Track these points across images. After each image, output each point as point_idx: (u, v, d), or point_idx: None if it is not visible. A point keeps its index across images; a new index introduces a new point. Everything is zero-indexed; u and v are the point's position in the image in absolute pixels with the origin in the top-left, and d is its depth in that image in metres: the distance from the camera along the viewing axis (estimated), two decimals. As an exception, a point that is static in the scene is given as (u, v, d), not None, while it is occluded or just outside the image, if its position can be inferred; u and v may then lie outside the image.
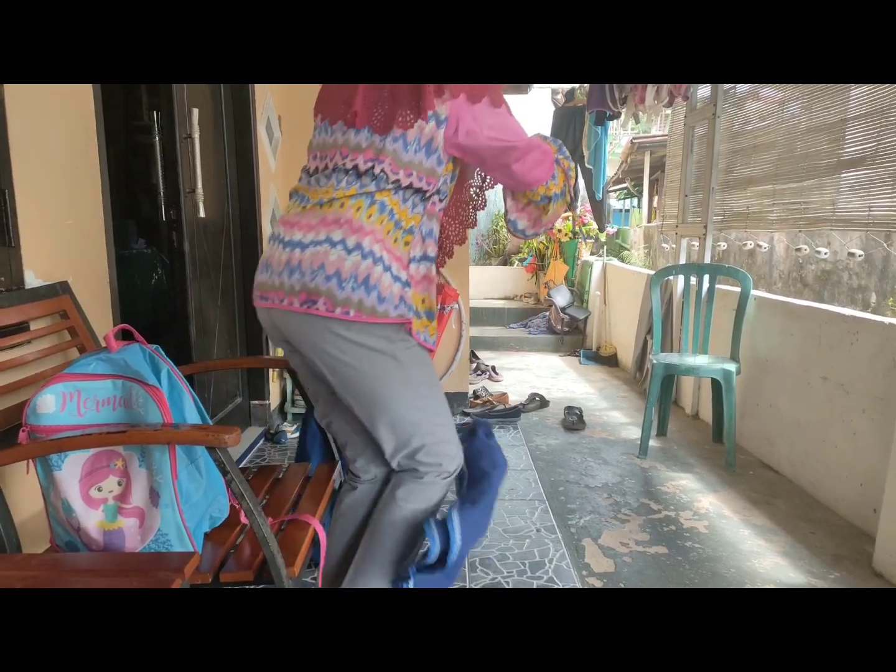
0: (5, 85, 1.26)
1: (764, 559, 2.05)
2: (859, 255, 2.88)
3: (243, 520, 1.14)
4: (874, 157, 2.38)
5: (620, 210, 13.23)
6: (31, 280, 1.36)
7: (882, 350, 2.15)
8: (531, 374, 4.80)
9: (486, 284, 7.69)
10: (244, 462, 2.79)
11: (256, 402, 3.23)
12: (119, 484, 1.07)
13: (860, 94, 2.47)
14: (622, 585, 1.90)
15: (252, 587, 1.09)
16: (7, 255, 1.29)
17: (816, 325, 2.51)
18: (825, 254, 2.89)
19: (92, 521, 1.05)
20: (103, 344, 1.32)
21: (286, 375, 3.40)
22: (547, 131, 5.81)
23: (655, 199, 9.76)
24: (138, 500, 1.06)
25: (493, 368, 4.57)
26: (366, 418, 1.25)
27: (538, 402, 3.73)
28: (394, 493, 1.28)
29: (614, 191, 10.50)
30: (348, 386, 1.22)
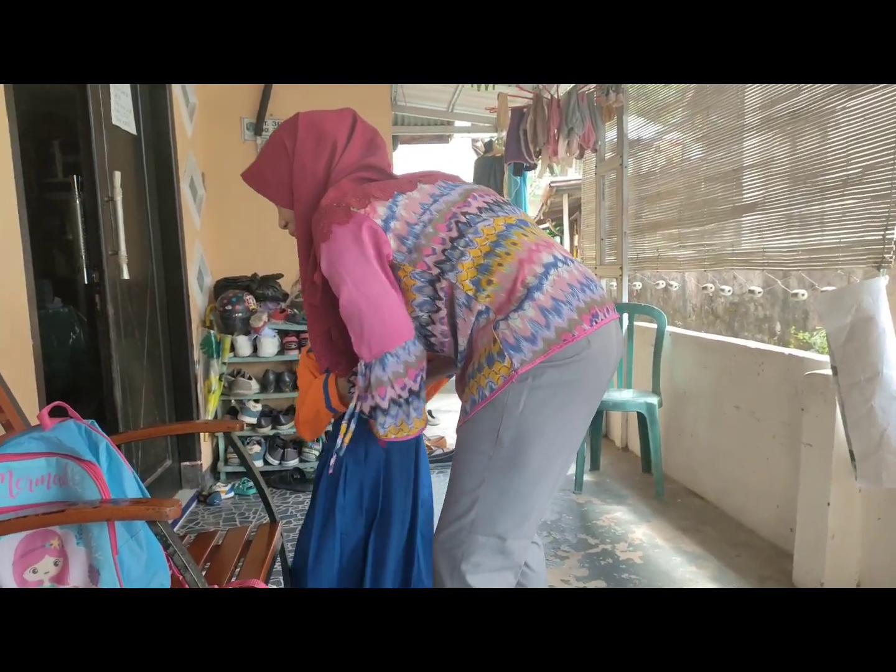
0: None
1: (695, 585, 2.15)
2: (758, 292, 3.13)
3: (187, 591, 1.13)
4: (764, 203, 2.62)
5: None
6: (-49, 357, 1.32)
7: (785, 378, 2.33)
8: (466, 416, 4.85)
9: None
10: (177, 527, 2.69)
11: (188, 463, 3.14)
12: (56, 564, 1.04)
13: (750, 147, 2.73)
14: (565, 623, 1.94)
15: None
16: (-75, 334, 1.25)
17: (727, 357, 2.70)
18: (729, 291, 3.13)
19: (26, 606, 1.01)
20: (30, 419, 1.29)
21: (218, 434, 3.32)
22: (469, 179, 6.03)
23: (576, 238, 10.19)
24: (76, 579, 1.03)
25: (430, 412, 4.61)
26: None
27: (474, 444, 3.77)
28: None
29: (536, 232, 10.89)
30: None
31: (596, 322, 1.13)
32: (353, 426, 1.25)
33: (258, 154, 1.32)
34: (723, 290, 3.01)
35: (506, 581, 1.20)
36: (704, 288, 3.11)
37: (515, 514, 1.16)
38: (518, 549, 1.19)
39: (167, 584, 1.20)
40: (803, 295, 2.50)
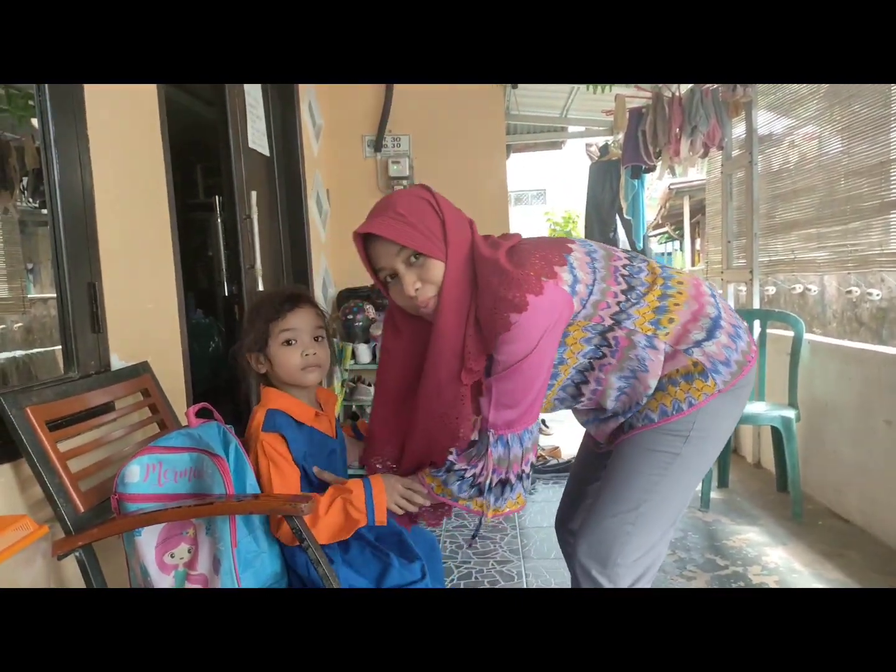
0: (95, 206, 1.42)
1: (841, 615, 1.96)
2: (914, 295, 2.83)
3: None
4: (920, 197, 2.37)
5: (662, 253, 13.16)
6: (116, 362, 1.47)
7: (947, 392, 2.09)
8: (582, 426, 4.75)
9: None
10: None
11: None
12: (189, 551, 1.14)
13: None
14: (692, 646, 1.84)
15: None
16: (96, 341, 1.41)
17: (874, 367, 2.46)
18: (877, 296, 2.85)
19: (164, 586, 1.12)
20: (183, 419, 1.42)
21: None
22: (583, 185, 5.92)
23: (698, 241, 9.71)
24: (203, 567, 1.13)
25: (543, 422, 4.55)
26: None
27: (591, 455, 3.68)
28: None
29: (654, 235, 10.52)
30: None
31: (753, 339, 1.27)
32: (492, 501, 1.20)
33: (383, 216, 1.16)
34: (869, 294, 2.75)
35: (648, 579, 1.25)
36: (848, 292, 2.85)
37: (678, 507, 1.26)
38: (666, 543, 1.28)
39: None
40: (969, 298, 2.22)
